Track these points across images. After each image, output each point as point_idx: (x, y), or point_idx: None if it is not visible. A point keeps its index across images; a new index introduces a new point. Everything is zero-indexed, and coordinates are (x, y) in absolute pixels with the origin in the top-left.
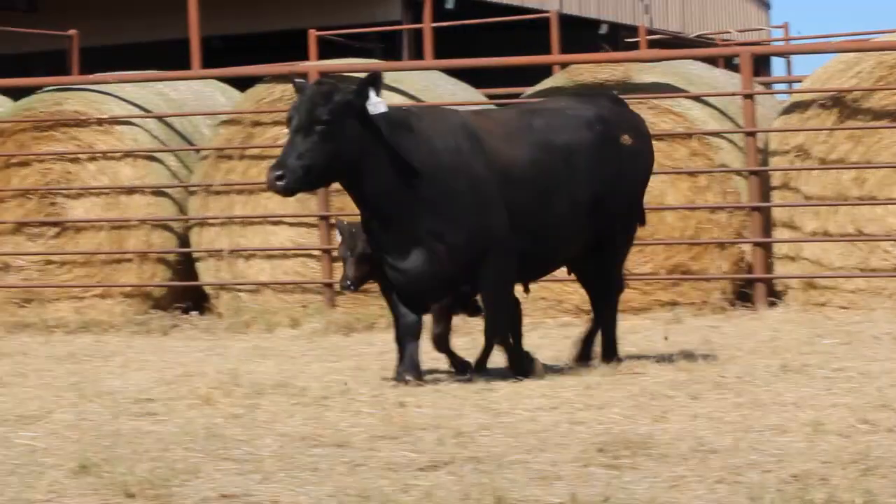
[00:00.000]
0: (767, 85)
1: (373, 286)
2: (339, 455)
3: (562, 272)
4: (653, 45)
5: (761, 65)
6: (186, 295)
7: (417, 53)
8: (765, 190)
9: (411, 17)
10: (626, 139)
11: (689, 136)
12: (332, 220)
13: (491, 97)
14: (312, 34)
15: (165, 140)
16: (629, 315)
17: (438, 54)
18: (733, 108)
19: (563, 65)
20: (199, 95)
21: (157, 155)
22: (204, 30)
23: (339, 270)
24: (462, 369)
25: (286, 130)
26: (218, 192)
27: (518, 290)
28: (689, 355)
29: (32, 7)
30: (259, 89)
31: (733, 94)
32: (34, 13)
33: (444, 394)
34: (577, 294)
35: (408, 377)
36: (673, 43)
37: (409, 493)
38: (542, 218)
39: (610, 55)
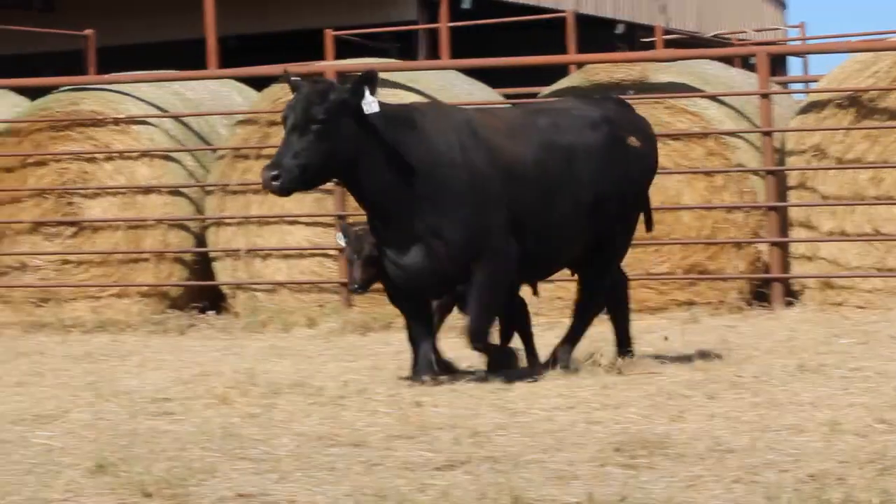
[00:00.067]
0: (784, 84)
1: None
2: (355, 454)
3: (565, 273)
4: (669, 44)
5: (778, 64)
6: (203, 294)
7: (433, 53)
8: (781, 189)
9: (427, 16)
10: (633, 141)
11: (705, 135)
12: (349, 220)
13: (507, 97)
14: (329, 34)
15: (182, 140)
16: (645, 315)
17: (454, 54)
18: (750, 108)
19: (580, 64)
20: (216, 95)
21: (174, 155)
22: (220, 30)
23: None
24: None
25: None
26: (235, 192)
27: (526, 291)
28: (705, 355)
29: (49, 7)
30: (275, 89)
31: (750, 94)
32: (50, 13)
33: (460, 393)
34: None
35: (424, 377)
36: (689, 43)
37: (425, 492)
38: (547, 217)
39: (626, 55)
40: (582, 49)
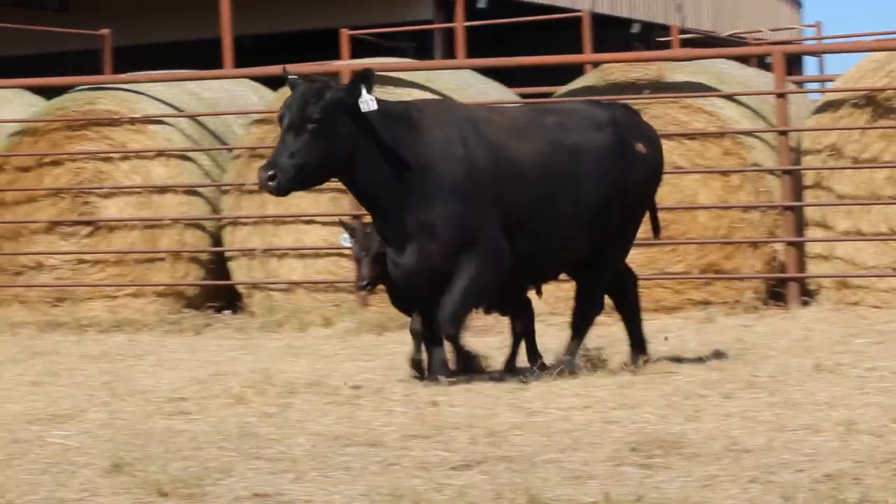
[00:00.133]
0: (800, 84)
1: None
2: (371, 454)
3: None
4: (685, 44)
5: (794, 64)
6: (219, 294)
7: (449, 53)
8: (797, 189)
9: (443, 16)
10: (640, 147)
11: (721, 135)
12: (362, 220)
13: (523, 96)
14: (344, 33)
15: (198, 139)
16: (661, 314)
17: (470, 53)
18: (766, 108)
19: (595, 64)
20: (232, 95)
21: (190, 154)
22: (235, 29)
23: None
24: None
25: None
26: (251, 192)
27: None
28: (721, 355)
29: (64, 7)
30: None
31: (766, 94)
32: (66, 13)
33: (476, 393)
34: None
35: (440, 377)
36: (705, 42)
37: (441, 492)
38: (550, 215)
39: (642, 54)
40: (598, 48)
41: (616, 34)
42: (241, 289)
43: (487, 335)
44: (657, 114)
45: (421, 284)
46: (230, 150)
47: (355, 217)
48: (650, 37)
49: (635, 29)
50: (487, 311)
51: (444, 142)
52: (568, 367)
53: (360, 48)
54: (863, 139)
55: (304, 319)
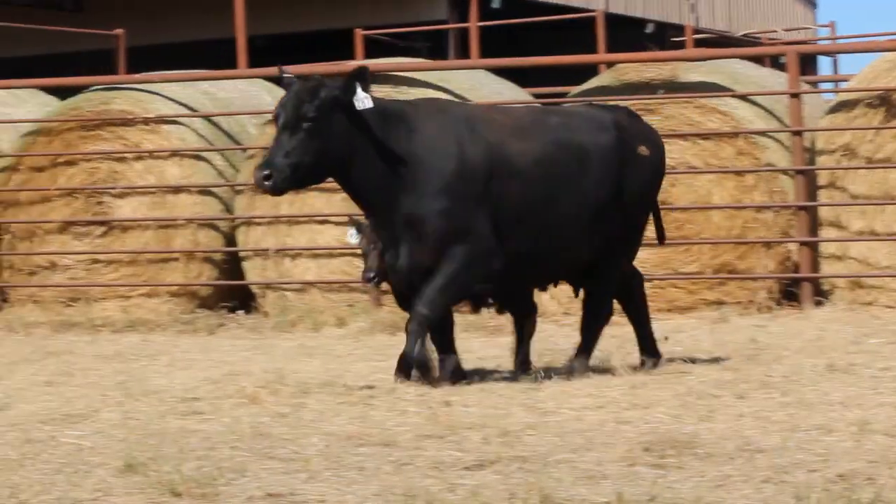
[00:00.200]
0: (814, 84)
1: None
2: (385, 454)
3: None
4: (699, 44)
5: (808, 64)
6: (233, 294)
7: (463, 53)
8: (811, 189)
9: (457, 16)
10: (643, 150)
11: (735, 135)
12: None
13: (537, 96)
14: (359, 34)
15: (212, 139)
16: (675, 314)
17: (484, 53)
18: (780, 108)
19: (609, 64)
20: (246, 95)
21: (204, 154)
22: (249, 29)
23: None
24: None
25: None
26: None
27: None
28: (735, 355)
29: (79, 7)
30: None
31: (780, 94)
32: (80, 13)
33: (489, 393)
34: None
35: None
36: (719, 42)
37: (455, 492)
38: (551, 215)
39: (656, 54)
40: (612, 48)
41: (630, 34)
42: (254, 289)
43: (501, 335)
44: (671, 114)
45: (418, 285)
46: (244, 150)
47: (369, 217)
48: (664, 37)
49: (649, 29)
50: (500, 311)
51: (436, 140)
52: (579, 373)
53: (375, 48)
54: (877, 139)
55: (317, 319)
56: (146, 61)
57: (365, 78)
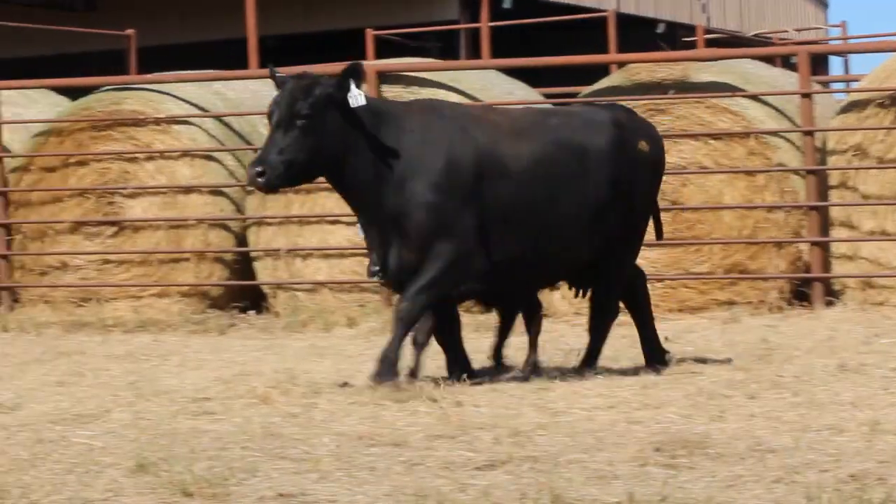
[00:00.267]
0: (825, 84)
1: None
2: (396, 454)
3: None
4: (710, 44)
5: (819, 64)
6: (244, 294)
7: (475, 53)
8: (822, 189)
9: (468, 16)
10: (643, 145)
11: (746, 135)
12: None
13: (548, 96)
14: (370, 34)
15: (223, 139)
16: (686, 314)
17: (495, 53)
18: (791, 108)
19: (621, 64)
20: (257, 95)
21: (215, 154)
22: (260, 30)
23: None
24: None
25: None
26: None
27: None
28: (746, 355)
29: (91, 7)
30: None
31: (791, 94)
32: (92, 13)
33: (500, 393)
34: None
35: (463, 376)
36: (730, 42)
37: (466, 492)
38: (549, 217)
39: (667, 54)
40: (623, 48)
41: (641, 34)
42: (265, 289)
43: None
44: (682, 114)
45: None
46: (255, 150)
47: None
48: (675, 37)
49: (660, 29)
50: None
51: (425, 139)
52: (586, 374)
53: (386, 48)
54: (888, 139)
55: (328, 319)
56: (157, 61)
57: (359, 75)
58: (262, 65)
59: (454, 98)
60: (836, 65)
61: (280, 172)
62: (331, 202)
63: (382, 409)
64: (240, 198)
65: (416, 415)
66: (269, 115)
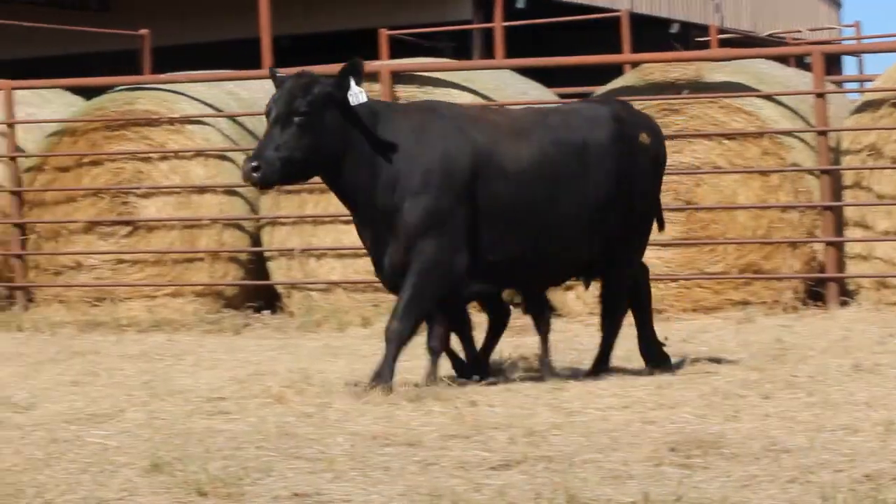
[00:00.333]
0: (839, 84)
1: None
2: (410, 454)
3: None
4: (724, 44)
5: (833, 64)
6: (258, 294)
7: (488, 53)
8: (837, 189)
9: (482, 16)
10: (644, 138)
11: (760, 135)
12: None
13: (562, 96)
14: (383, 34)
15: (237, 139)
16: (700, 314)
17: (509, 53)
18: (805, 108)
19: (634, 64)
20: (270, 94)
21: (229, 154)
22: (274, 29)
23: None
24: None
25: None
26: (289, 191)
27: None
28: (760, 355)
29: (104, 7)
30: None
31: (805, 94)
32: (106, 13)
33: (515, 393)
34: None
35: (475, 376)
36: (744, 42)
37: (480, 492)
38: (550, 216)
39: (681, 54)
40: (636, 48)
41: (655, 34)
42: (279, 289)
43: (526, 335)
44: (696, 114)
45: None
46: None
47: None
48: (689, 37)
49: (674, 29)
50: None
51: (421, 139)
52: (599, 374)
53: (399, 48)
54: None
55: (342, 319)
56: (171, 61)
57: (359, 72)
58: (276, 65)
59: (468, 98)
60: (849, 65)
61: (276, 168)
62: None
63: (397, 409)
64: (254, 197)
65: (431, 414)
66: (267, 113)
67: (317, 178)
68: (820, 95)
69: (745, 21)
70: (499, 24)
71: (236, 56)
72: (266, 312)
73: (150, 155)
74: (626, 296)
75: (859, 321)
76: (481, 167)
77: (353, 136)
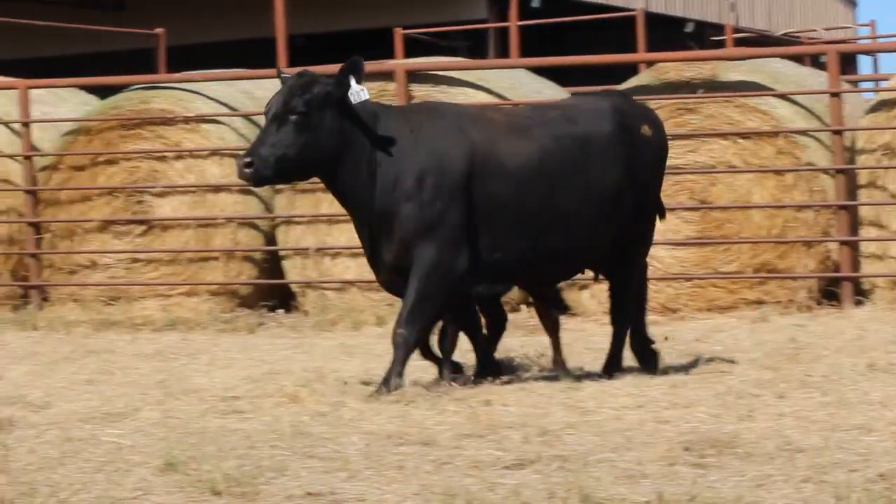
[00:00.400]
0: (854, 83)
1: None
2: (424, 453)
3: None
4: (739, 43)
5: (848, 63)
6: (273, 293)
7: (503, 52)
8: (851, 188)
9: (497, 15)
10: (646, 130)
11: (775, 134)
12: None
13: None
14: (398, 33)
15: (252, 138)
16: (715, 313)
17: (524, 53)
18: (820, 107)
19: (649, 63)
20: None
21: None
22: (289, 29)
23: None
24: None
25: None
26: (304, 190)
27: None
28: (775, 354)
29: (120, 6)
30: None
31: (820, 93)
32: (121, 12)
33: (529, 392)
34: (662, 293)
35: (488, 376)
36: (759, 41)
37: (495, 491)
38: (555, 213)
39: (696, 53)
40: (652, 48)
41: (670, 33)
42: (294, 288)
43: (540, 334)
44: (711, 113)
45: (397, 287)
46: None
47: None
48: (704, 36)
49: (689, 28)
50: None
51: (418, 139)
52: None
53: (414, 47)
54: None
55: (357, 318)
56: (186, 60)
57: (359, 70)
58: (291, 63)
59: (483, 97)
60: (865, 64)
61: (269, 165)
62: None
63: (411, 408)
64: (269, 197)
65: (445, 414)
66: (267, 111)
67: None
68: (835, 95)
69: (761, 20)
70: (514, 24)
71: (251, 55)
72: (281, 311)
73: (166, 154)
74: (636, 294)
75: (874, 321)
76: (480, 166)
77: (352, 136)
